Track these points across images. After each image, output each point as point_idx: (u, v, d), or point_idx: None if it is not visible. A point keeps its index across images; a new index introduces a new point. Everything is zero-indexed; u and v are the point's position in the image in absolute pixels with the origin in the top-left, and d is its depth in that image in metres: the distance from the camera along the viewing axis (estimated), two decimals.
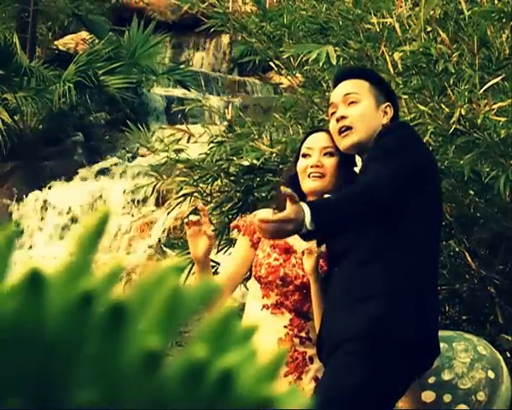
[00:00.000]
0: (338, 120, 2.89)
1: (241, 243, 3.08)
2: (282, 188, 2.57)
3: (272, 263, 2.96)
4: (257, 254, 3.01)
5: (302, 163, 3.00)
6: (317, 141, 3.02)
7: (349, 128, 2.87)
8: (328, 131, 3.03)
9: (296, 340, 2.92)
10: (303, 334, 2.93)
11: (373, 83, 2.96)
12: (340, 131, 2.88)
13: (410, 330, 2.65)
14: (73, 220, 10.67)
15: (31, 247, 10.62)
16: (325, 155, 2.98)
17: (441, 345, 3.10)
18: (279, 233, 2.53)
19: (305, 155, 3.01)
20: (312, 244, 2.89)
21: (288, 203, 2.52)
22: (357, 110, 2.89)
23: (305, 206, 2.52)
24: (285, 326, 2.92)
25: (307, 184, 2.97)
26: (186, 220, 2.92)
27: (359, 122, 2.87)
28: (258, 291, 2.98)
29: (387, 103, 2.93)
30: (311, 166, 2.97)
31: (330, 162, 2.96)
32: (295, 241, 2.95)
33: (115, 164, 11.97)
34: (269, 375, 0.46)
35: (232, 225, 3.27)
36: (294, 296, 2.93)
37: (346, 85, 2.95)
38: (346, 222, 2.67)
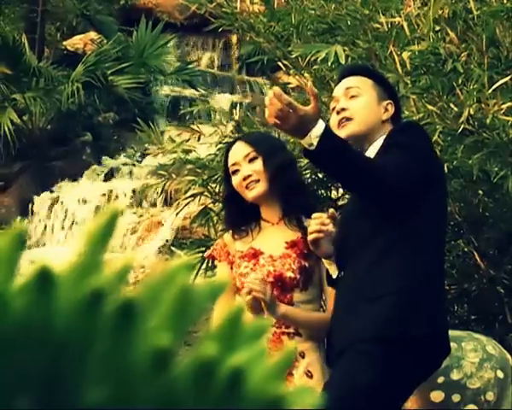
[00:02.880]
0: (338, 113, 2.89)
1: (222, 271, 3.12)
2: (309, 86, 2.60)
3: (243, 272, 3.00)
4: (234, 271, 3.06)
5: (236, 180, 3.07)
6: (238, 153, 3.08)
7: (349, 119, 2.86)
8: (240, 139, 3.16)
9: (284, 337, 2.93)
10: (290, 330, 2.94)
11: (376, 81, 2.96)
12: (340, 123, 2.87)
13: (422, 328, 2.63)
14: (82, 220, 10.68)
15: (40, 246, 10.63)
16: (250, 161, 3.04)
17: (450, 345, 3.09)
18: (280, 116, 2.51)
19: (234, 172, 3.08)
20: (263, 273, 2.93)
21: (312, 104, 2.52)
22: (357, 103, 2.88)
23: (322, 122, 2.52)
24: (272, 326, 2.93)
25: (250, 195, 3.04)
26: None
27: (359, 114, 2.86)
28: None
29: (389, 101, 2.92)
30: (244, 179, 3.04)
31: (257, 166, 3.03)
32: (261, 245, 3.02)
33: (124, 164, 11.98)
34: (278, 374, 0.46)
35: (206, 256, 3.36)
36: (272, 294, 2.94)
37: (349, 80, 2.95)
38: (346, 169, 2.62)
